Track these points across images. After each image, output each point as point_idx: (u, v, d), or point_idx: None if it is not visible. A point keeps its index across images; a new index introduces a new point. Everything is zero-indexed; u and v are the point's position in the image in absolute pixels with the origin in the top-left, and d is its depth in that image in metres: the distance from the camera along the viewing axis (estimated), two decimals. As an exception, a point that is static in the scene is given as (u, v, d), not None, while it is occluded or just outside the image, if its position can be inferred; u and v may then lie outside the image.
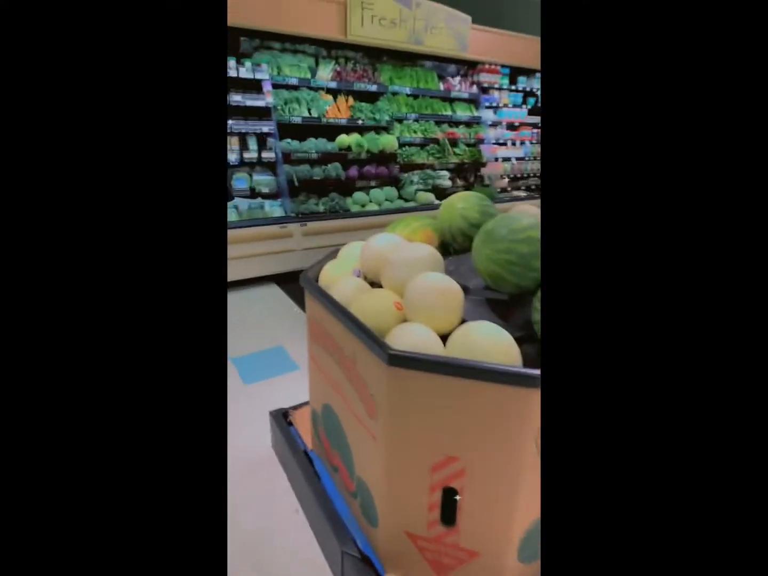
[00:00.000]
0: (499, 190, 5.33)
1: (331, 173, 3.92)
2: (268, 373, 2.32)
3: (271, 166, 3.78)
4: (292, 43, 3.87)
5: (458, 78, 4.98)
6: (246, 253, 3.41)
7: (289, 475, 1.62)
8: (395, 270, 1.20)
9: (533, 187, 5.75)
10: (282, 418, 1.70)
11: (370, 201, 4.16)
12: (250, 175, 3.67)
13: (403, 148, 4.44)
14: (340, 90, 4.10)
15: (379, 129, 4.30)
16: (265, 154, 3.62)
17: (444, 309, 1.03)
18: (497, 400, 0.89)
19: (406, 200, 4.38)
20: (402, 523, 1.07)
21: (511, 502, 0.96)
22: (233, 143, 3.51)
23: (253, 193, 3.67)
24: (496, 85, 5.19)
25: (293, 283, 3.56)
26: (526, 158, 5.60)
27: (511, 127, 5.47)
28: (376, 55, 4.36)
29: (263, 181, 3.69)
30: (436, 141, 4.68)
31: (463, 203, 1.51)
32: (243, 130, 3.51)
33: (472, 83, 5.04)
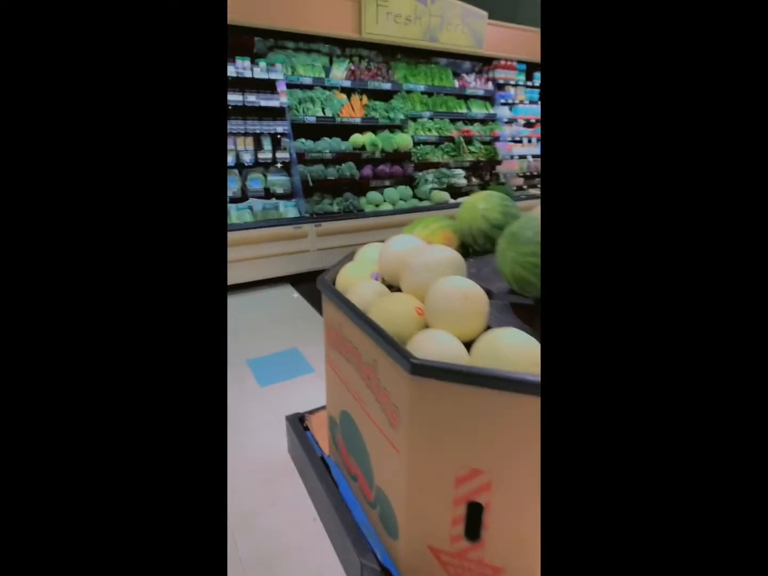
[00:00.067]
0: (515, 188, 5.24)
1: (345, 173, 3.89)
2: (283, 375, 2.30)
3: (285, 167, 3.77)
4: (306, 42, 3.85)
5: (473, 75, 4.91)
6: (260, 253, 3.40)
7: (306, 482, 1.59)
8: (415, 273, 1.16)
9: (550, 184, 5.63)
10: (298, 423, 1.68)
11: (385, 200, 4.12)
12: (265, 176, 3.66)
13: (418, 147, 4.39)
14: (354, 89, 4.07)
15: (393, 128, 4.26)
16: (279, 155, 3.61)
17: (468, 315, 0.99)
18: (525, 411, 0.84)
19: (421, 199, 4.33)
20: (424, 537, 1.03)
21: (539, 517, 0.91)
22: (248, 144, 3.50)
23: (267, 194, 3.67)
24: (512, 82, 5.11)
25: (307, 284, 3.55)
26: (543, 156, 5.50)
27: (528, 124, 5.37)
28: (390, 53, 4.32)
29: (278, 181, 3.67)
30: (451, 139, 4.62)
31: (484, 203, 1.47)
32: (257, 131, 3.50)
33: (488, 80, 4.96)
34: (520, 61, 5.06)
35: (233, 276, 3.33)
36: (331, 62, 3.99)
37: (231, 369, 2.35)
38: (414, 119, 4.41)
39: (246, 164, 3.52)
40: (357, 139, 4.00)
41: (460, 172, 4.70)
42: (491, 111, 5.00)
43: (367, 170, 4.05)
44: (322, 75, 3.87)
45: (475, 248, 1.48)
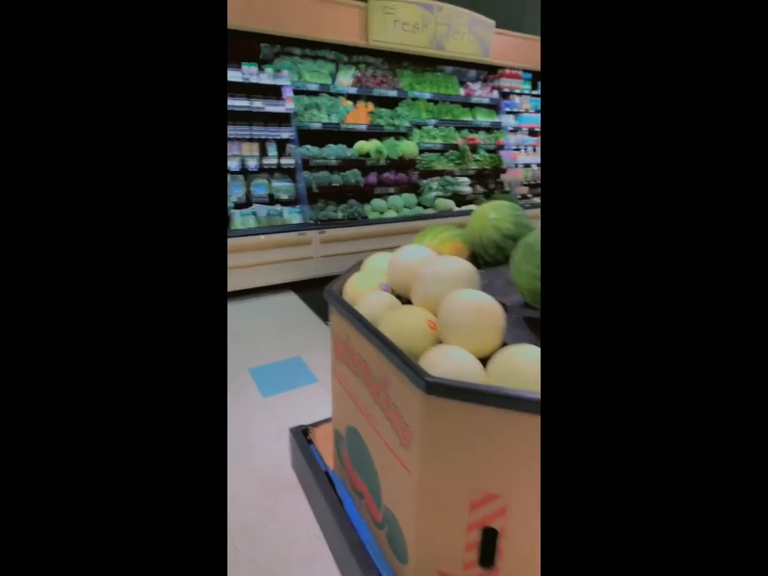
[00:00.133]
0: (519, 196, 5.22)
1: (350, 180, 3.87)
2: (287, 385, 2.26)
3: (290, 173, 3.75)
4: (312, 48, 3.85)
5: (479, 83, 4.91)
6: (264, 260, 3.37)
7: (310, 497, 1.54)
8: (427, 285, 1.12)
9: (554, 193, 5.61)
10: (302, 436, 1.64)
11: (389, 208, 4.09)
12: (269, 182, 3.64)
13: (423, 154, 4.37)
14: (360, 96, 4.06)
15: (398, 135, 4.24)
16: (284, 161, 3.59)
17: (483, 330, 0.95)
18: (545, 433, 0.80)
19: (425, 207, 4.31)
20: (435, 562, 0.99)
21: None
22: (253, 149, 3.48)
23: (271, 200, 3.64)
24: (518, 90, 5.10)
25: (311, 291, 3.51)
26: (548, 164, 5.48)
27: (532, 132, 5.36)
28: (396, 60, 4.32)
29: (282, 187, 3.65)
30: (455, 147, 4.60)
31: (495, 213, 1.43)
32: (263, 136, 3.48)
33: (493, 88, 4.96)
34: (525, 70, 5.06)
35: (236, 282, 3.29)
36: (337, 69, 3.98)
37: (233, 378, 2.31)
38: (419, 127, 4.39)
39: (251, 170, 3.50)
40: (362, 145, 3.98)
41: (465, 180, 4.67)
42: (496, 119, 5.00)
43: (372, 177, 4.03)
44: (328, 81, 3.86)
45: (485, 259, 1.45)
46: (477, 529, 0.92)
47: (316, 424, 1.69)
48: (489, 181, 4.98)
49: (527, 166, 5.29)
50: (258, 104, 3.41)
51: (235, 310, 3.18)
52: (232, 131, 3.34)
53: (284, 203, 3.66)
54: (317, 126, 3.70)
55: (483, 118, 4.88)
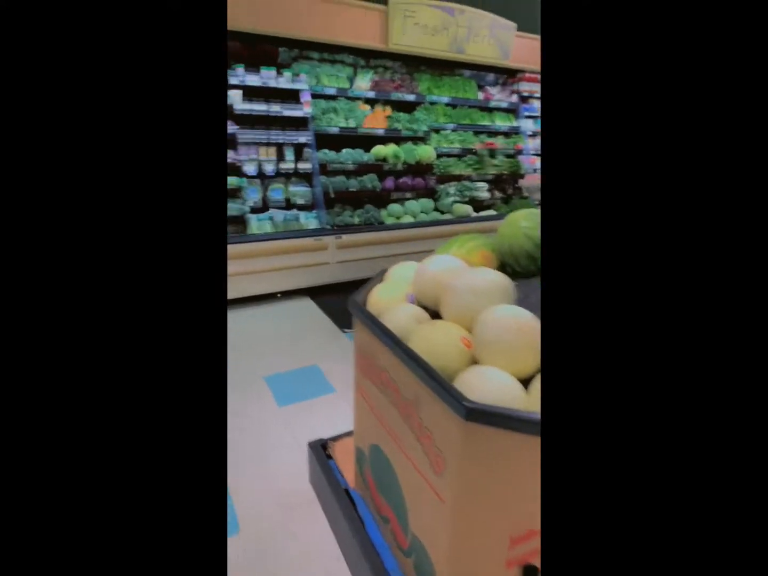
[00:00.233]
0: (537, 202, 5.12)
1: (366, 185, 3.82)
2: (303, 395, 2.21)
3: (307, 177, 3.72)
4: (330, 52, 3.82)
5: (497, 87, 4.84)
6: (280, 265, 3.34)
7: (329, 515, 1.48)
8: (459, 298, 1.06)
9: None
10: (321, 450, 1.58)
11: (406, 213, 4.04)
12: (286, 186, 3.61)
13: (440, 159, 4.31)
14: (378, 100, 4.02)
15: (416, 139, 4.19)
16: (301, 165, 3.56)
17: (524, 350, 0.89)
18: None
19: (442, 212, 4.24)
20: (468, 598, 0.92)
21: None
22: (270, 154, 3.46)
23: (288, 204, 3.61)
24: (537, 94, 5.01)
25: (326, 297, 3.47)
26: (567, 169, 5.37)
27: (552, 137, 5.26)
28: (414, 64, 4.27)
29: (299, 192, 3.62)
30: (473, 152, 4.53)
31: (526, 221, 1.36)
32: (280, 141, 3.46)
33: (512, 92, 4.88)
34: (545, 74, 4.97)
35: (251, 287, 3.26)
36: (355, 73, 3.95)
37: (248, 386, 2.27)
38: (437, 131, 4.34)
39: (268, 174, 3.47)
40: (379, 150, 3.94)
41: (483, 185, 4.60)
42: (515, 124, 4.92)
43: (389, 182, 3.98)
44: (346, 85, 3.83)
45: (516, 269, 1.38)
46: (517, 566, 0.85)
47: (335, 438, 1.63)
48: (507, 186, 4.90)
49: (546, 171, 5.19)
50: (276, 108, 3.39)
51: (249, 315, 3.14)
52: (250, 135, 3.32)
53: (301, 208, 3.63)
54: (335, 130, 3.66)
55: (501, 122, 4.81)
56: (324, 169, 3.66)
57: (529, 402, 0.82)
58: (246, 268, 3.19)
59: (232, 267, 3.10)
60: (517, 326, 0.89)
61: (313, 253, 3.47)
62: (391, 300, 1.25)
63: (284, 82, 3.42)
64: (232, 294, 3.17)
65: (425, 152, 4.10)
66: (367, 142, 3.92)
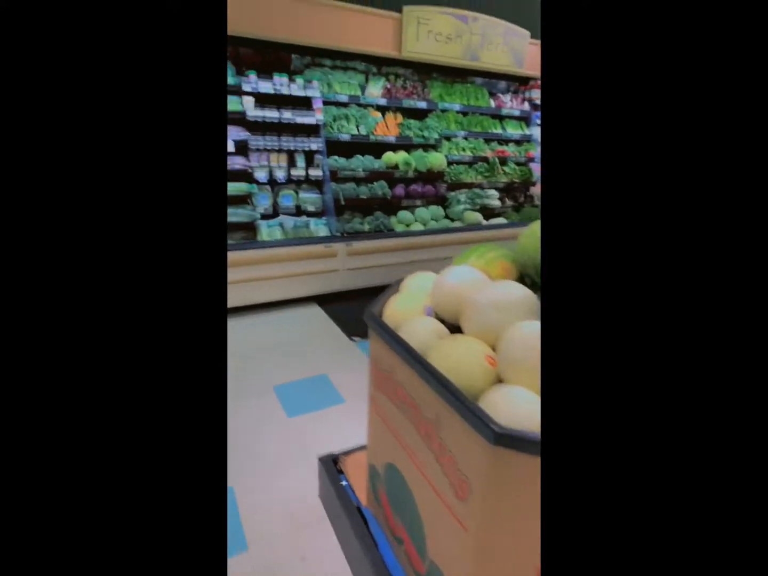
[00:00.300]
0: (549, 210, 5.07)
1: (377, 192, 3.79)
2: (312, 405, 2.17)
3: (317, 184, 3.70)
4: (343, 60, 3.82)
5: (509, 95, 4.81)
6: (290, 272, 3.31)
7: (339, 533, 1.44)
8: (482, 313, 1.01)
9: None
10: (332, 465, 1.53)
11: (416, 220, 4.00)
12: (297, 193, 3.60)
13: (451, 167, 4.28)
14: (389, 107, 4.00)
15: (427, 147, 4.17)
16: (312, 172, 3.55)
17: (553, 370, 0.84)
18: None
19: (453, 220, 4.20)
20: (491, 632, 0.87)
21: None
22: (281, 160, 3.45)
23: (298, 211, 3.59)
24: (549, 102, 4.98)
25: (335, 304, 3.44)
26: (579, 178, 5.32)
27: (564, 145, 5.23)
28: (426, 71, 4.26)
29: (309, 199, 3.60)
30: (485, 159, 4.50)
31: (548, 233, 1.32)
32: (292, 147, 3.44)
33: (524, 100, 4.85)
34: (557, 82, 4.94)
35: (261, 294, 3.24)
36: (367, 80, 3.94)
37: (257, 395, 2.23)
38: (448, 138, 4.31)
39: (279, 181, 3.46)
40: (390, 157, 3.92)
41: (494, 193, 4.56)
42: (527, 132, 4.88)
43: (399, 189, 3.95)
44: (358, 93, 3.82)
45: (538, 282, 1.33)
46: (545, 601, 0.79)
47: (346, 453, 1.59)
48: (518, 194, 4.86)
49: (557, 179, 5.15)
50: (288, 115, 3.38)
51: (259, 322, 3.12)
52: (261, 142, 3.31)
53: (311, 215, 3.61)
54: (346, 137, 3.65)
55: (513, 130, 4.77)
56: (334, 175, 3.65)
57: (560, 426, 0.78)
58: (255, 275, 3.17)
59: (241, 273, 3.08)
60: (545, 344, 0.85)
61: (323, 260, 3.44)
62: (408, 312, 1.21)
63: (296, 88, 3.41)
64: (241, 301, 3.15)
65: (436, 159, 4.08)
66: (378, 149, 3.90)
